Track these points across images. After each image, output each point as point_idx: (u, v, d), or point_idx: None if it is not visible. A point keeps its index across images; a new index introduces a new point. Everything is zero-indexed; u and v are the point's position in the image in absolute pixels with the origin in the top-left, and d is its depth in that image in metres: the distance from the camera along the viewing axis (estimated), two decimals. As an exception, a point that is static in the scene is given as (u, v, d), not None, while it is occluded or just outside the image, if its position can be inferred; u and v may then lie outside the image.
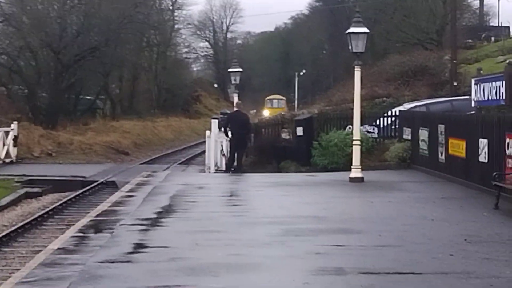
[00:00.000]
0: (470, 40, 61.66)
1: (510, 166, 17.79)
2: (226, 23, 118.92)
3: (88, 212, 18.56)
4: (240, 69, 38.76)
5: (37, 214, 23.32)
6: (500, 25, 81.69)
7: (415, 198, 19.31)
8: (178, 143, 60.19)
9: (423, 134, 25.92)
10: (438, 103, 32.47)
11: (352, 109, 25.57)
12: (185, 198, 19.67)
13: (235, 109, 30.17)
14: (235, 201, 19.77)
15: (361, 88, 25.48)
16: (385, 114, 31.33)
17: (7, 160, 36.84)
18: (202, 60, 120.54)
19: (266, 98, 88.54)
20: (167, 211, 17.06)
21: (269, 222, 15.23)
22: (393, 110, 31.60)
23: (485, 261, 11.44)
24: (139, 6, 59.24)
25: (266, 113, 74.14)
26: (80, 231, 14.30)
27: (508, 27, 75.71)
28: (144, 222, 15.20)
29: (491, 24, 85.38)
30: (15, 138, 38.04)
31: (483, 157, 19.73)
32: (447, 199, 18.98)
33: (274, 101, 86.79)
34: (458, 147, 22.05)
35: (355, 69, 23.59)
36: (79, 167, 36.60)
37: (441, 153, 23.73)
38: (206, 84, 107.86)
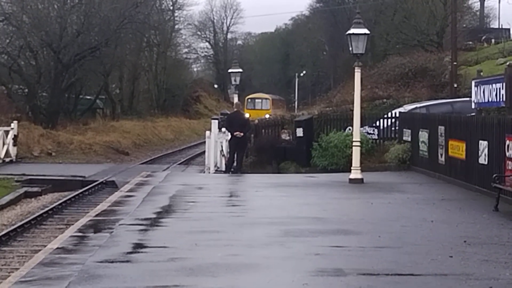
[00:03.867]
0: (470, 42, 61.65)
1: (510, 168, 17.78)
2: (226, 23, 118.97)
3: (88, 212, 18.56)
4: (240, 70, 38.75)
5: (37, 214, 23.30)
6: (500, 27, 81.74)
7: (414, 199, 19.31)
8: (178, 143, 60.21)
9: (423, 135, 25.91)
10: (438, 105, 32.47)
11: (352, 110, 25.62)
12: (184, 198, 19.66)
13: (234, 109, 30.18)
14: (234, 201, 19.76)
15: (361, 90, 25.50)
16: (385, 116, 31.33)
17: (7, 159, 36.85)
18: (202, 61, 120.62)
19: (247, 98, 76.76)
20: (166, 211, 17.05)
21: (269, 223, 15.22)
22: (393, 112, 31.61)
23: (484, 263, 11.43)
24: (139, 6, 59.17)
25: (246, 115, 65.47)
26: (80, 230, 14.29)
27: (509, 29, 75.74)
28: (144, 222, 15.19)
29: (492, 26, 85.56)
30: (15, 138, 38.05)
31: (483, 159, 19.73)
32: (446, 201, 18.98)
33: (257, 101, 75.96)
34: (458, 149, 22.05)
35: (355, 70, 23.60)
36: (78, 166, 36.59)
37: (441, 155, 23.73)
38: (206, 84, 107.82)
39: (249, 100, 74.91)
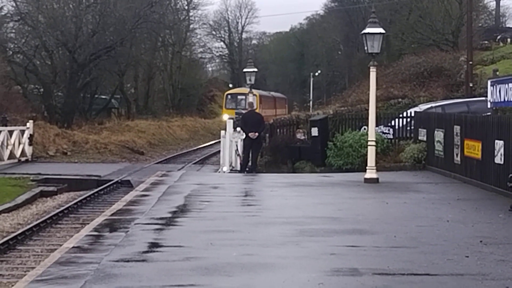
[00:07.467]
0: (486, 42, 61.49)
1: (526, 167, 17.70)
2: (241, 23, 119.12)
3: (103, 211, 18.60)
4: (255, 69, 38.77)
5: (52, 213, 23.38)
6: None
7: (430, 199, 19.25)
8: (193, 143, 60.29)
9: (439, 135, 25.84)
10: (453, 104, 32.36)
11: (367, 109, 25.57)
12: (199, 197, 19.67)
13: (249, 109, 30.17)
14: (249, 201, 19.75)
15: (377, 89, 25.44)
16: (401, 115, 31.26)
17: (23, 159, 36.97)
18: (217, 60, 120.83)
19: (226, 94, 64.66)
20: (181, 210, 17.06)
21: (284, 223, 15.21)
22: (409, 111, 31.53)
23: (501, 263, 11.38)
24: (154, 6, 59.36)
25: (225, 117, 50.51)
26: (95, 230, 14.32)
27: (525, 28, 75.51)
28: (159, 222, 15.20)
29: (507, 25, 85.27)
30: (31, 137, 38.18)
31: (499, 159, 19.65)
32: (462, 201, 18.92)
33: (240, 97, 61.08)
34: (473, 149, 21.97)
35: (371, 69, 23.55)
36: (94, 166, 36.68)
37: (457, 155, 23.65)
38: (221, 84, 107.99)
39: (229, 96, 61.83)
